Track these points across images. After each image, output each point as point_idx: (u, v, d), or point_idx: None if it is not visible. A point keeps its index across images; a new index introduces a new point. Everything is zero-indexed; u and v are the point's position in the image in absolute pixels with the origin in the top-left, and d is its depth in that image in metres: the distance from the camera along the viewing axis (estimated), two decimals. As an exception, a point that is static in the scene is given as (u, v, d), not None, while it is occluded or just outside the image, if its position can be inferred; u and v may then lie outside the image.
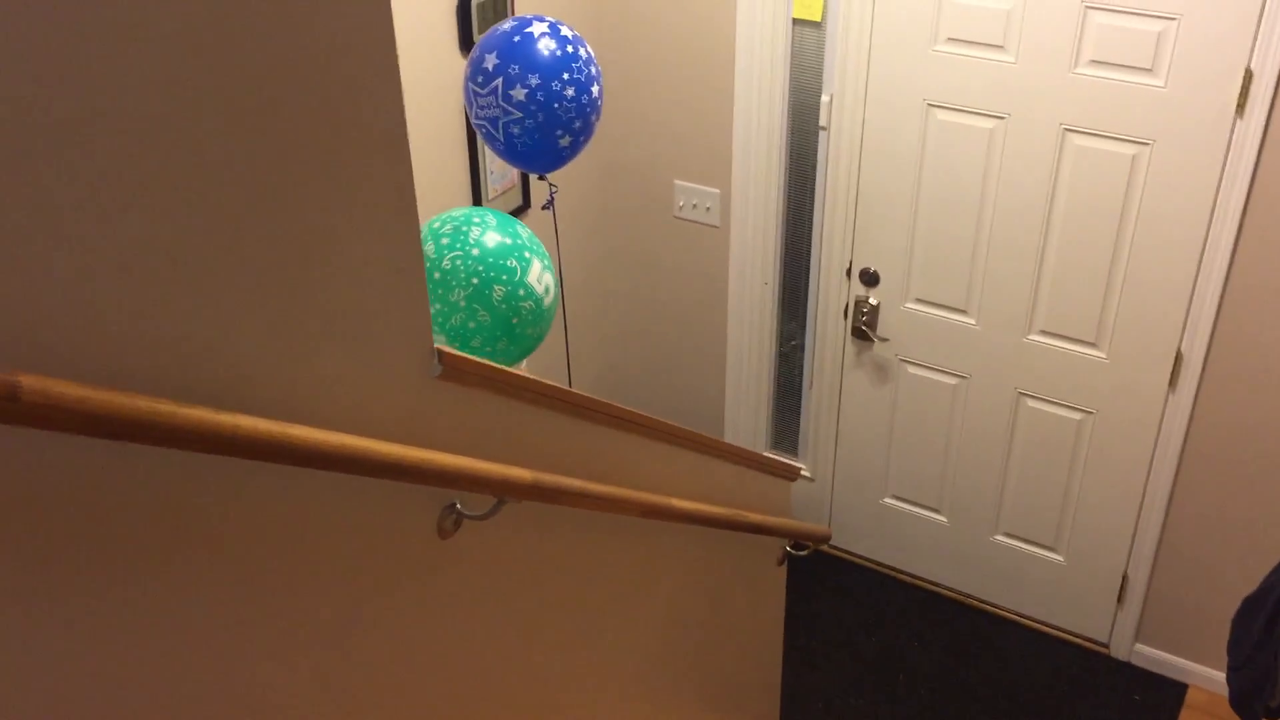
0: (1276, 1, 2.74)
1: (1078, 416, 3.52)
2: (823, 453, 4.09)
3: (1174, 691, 3.68)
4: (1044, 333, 3.46)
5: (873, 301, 3.70)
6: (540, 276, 2.42)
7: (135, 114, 1.01)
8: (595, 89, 2.50)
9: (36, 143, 0.93)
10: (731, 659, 2.97)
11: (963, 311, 3.56)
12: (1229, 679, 2.94)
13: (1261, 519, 3.32)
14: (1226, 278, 3.08)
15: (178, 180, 1.06)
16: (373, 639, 1.49)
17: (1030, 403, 3.59)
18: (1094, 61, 3.03)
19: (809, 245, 3.80)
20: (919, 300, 3.62)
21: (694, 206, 3.84)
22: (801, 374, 4.08)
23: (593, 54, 2.52)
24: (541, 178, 2.80)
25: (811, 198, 3.70)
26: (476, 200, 3.37)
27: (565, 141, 2.48)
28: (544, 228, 3.55)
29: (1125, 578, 3.68)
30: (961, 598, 4.04)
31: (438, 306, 2.33)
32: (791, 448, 4.23)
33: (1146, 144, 3.06)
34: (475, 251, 2.34)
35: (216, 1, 1.06)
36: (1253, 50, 2.83)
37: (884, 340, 3.73)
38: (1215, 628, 3.53)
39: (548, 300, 2.44)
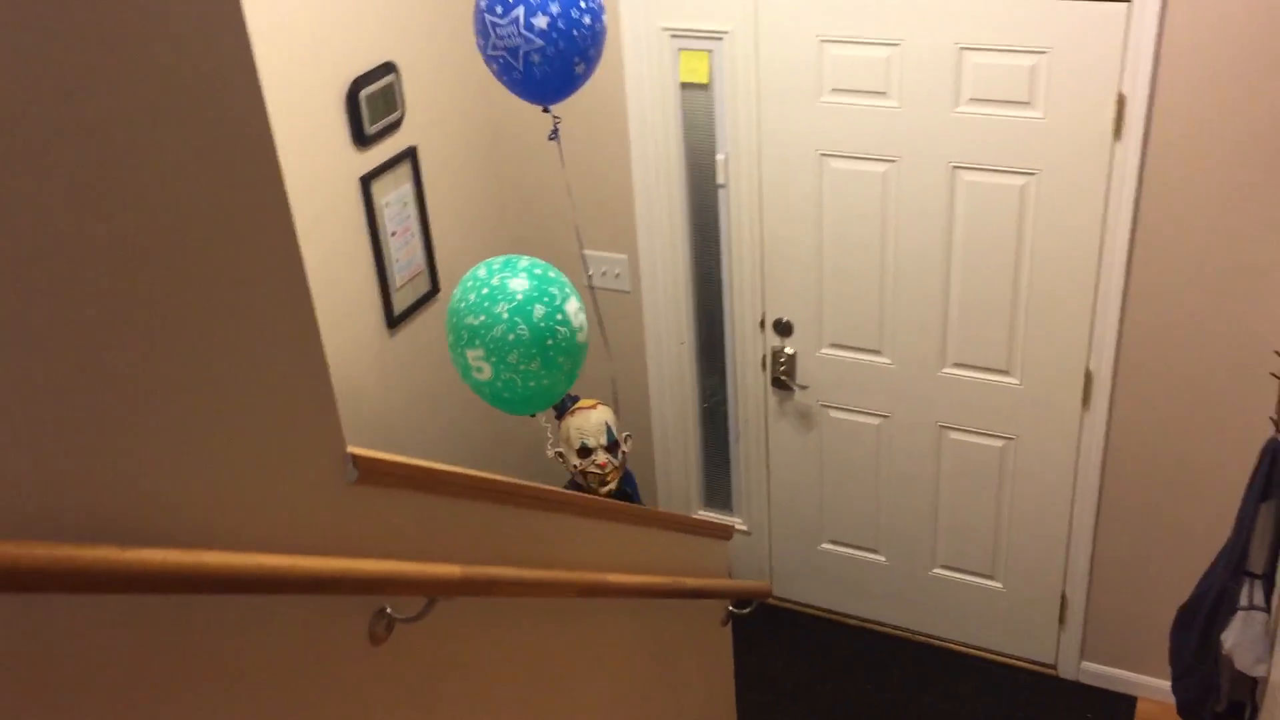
0: (1140, 27, 2.86)
1: (999, 443, 3.58)
2: (756, 505, 4.10)
3: (1125, 706, 3.72)
4: (957, 365, 3.52)
5: (789, 351, 3.73)
6: (577, 313, 2.73)
7: (29, 265, 0.98)
8: (604, 16, 2.65)
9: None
10: (686, 726, 2.94)
11: (876, 352, 3.62)
12: (1174, 689, 2.98)
13: (1188, 525, 3.39)
14: (1124, 294, 3.17)
15: (62, 315, 1.04)
16: (311, 759, 1.45)
17: (952, 434, 3.64)
18: (974, 99, 3.13)
19: (720, 301, 3.83)
20: (834, 345, 3.67)
21: (604, 274, 3.86)
22: (727, 429, 4.09)
23: None
24: (545, 109, 2.84)
25: (718, 254, 3.74)
26: (384, 291, 3.35)
27: (580, 69, 2.61)
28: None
29: (1064, 597, 3.72)
30: (908, 634, 4.05)
31: (482, 318, 2.65)
32: (725, 503, 4.23)
33: (1033, 174, 3.16)
34: (522, 277, 2.67)
35: (105, 142, 1.05)
36: (1122, 75, 2.94)
37: (804, 388, 3.77)
38: (1157, 638, 3.58)
39: (580, 337, 2.73)
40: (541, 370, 2.62)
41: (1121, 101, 2.96)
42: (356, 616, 1.52)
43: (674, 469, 4.12)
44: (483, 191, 3.76)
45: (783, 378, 3.77)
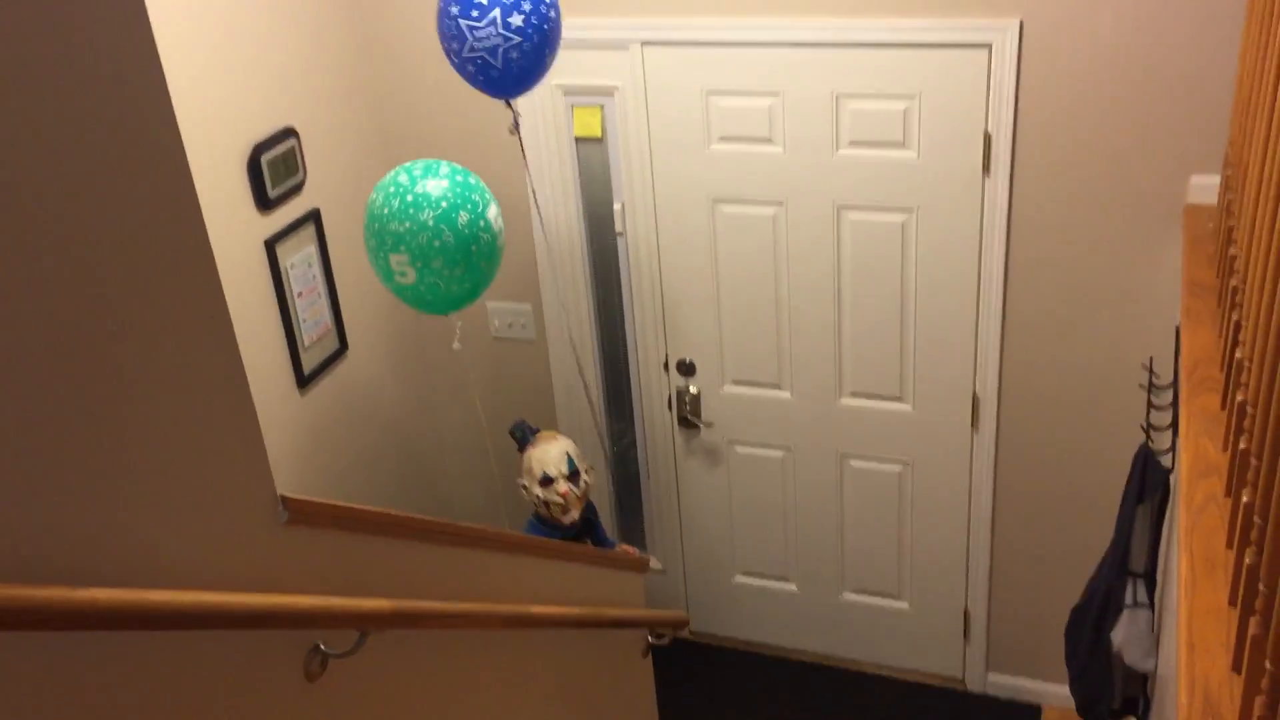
0: (1000, 70, 3.07)
1: (897, 468, 3.74)
2: (669, 543, 4.20)
3: (1030, 714, 3.88)
4: (854, 394, 3.68)
5: (693, 390, 3.86)
6: (496, 218, 2.85)
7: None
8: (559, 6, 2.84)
9: None
10: (612, 759, 3.01)
11: (777, 386, 3.76)
12: (1072, 690, 3.14)
13: (1078, 532, 3.58)
14: (1003, 320, 3.37)
15: (20, 369, 1.10)
16: (255, 793, 1.50)
17: (853, 462, 3.79)
18: (853, 142, 3.31)
19: (624, 344, 3.95)
20: (735, 382, 3.81)
21: (509, 325, 3.95)
22: (638, 469, 4.19)
23: None
24: (508, 104, 2.98)
25: (620, 299, 3.86)
26: (293, 351, 3.40)
27: (549, 59, 2.80)
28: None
29: (967, 613, 3.88)
30: (823, 660, 4.17)
31: (407, 225, 2.73)
32: (639, 542, 4.32)
33: (911, 210, 3.35)
34: (444, 183, 2.77)
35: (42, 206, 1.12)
36: (987, 115, 3.15)
37: (709, 425, 3.89)
38: (1057, 646, 3.75)
39: (499, 241, 2.87)
40: (464, 275, 2.73)
41: (988, 140, 3.17)
42: (292, 653, 1.58)
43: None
44: (386, 249, 3.83)
45: (689, 416, 3.90)
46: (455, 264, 2.76)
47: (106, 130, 1.22)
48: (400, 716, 1.88)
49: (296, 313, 3.40)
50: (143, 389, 1.28)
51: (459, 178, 2.86)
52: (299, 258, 3.38)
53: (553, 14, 2.81)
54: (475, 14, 2.71)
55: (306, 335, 3.45)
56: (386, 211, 2.79)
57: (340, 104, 3.51)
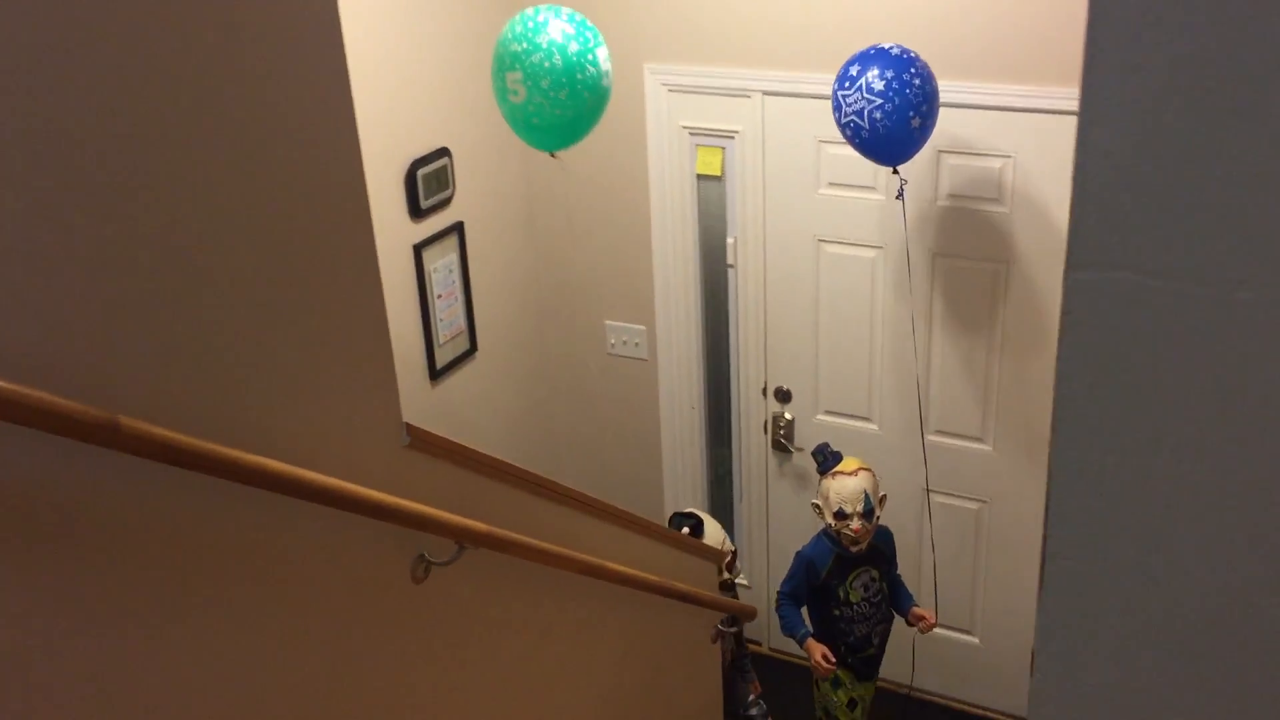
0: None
1: (975, 506, 3.95)
2: (757, 561, 4.46)
3: (1091, 756, 3.99)
4: (939, 432, 3.92)
5: (788, 416, 4.14)
6: (605, 60, 3.05)
7: (232, 272, 1.45)
8: (934, 83, 3.14)
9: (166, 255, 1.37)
10: (677, 736, 3.29)
11: (866, 419, 4.02)
12: None
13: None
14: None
15: (231, 306, 1.49)
16: (360, 661, 1.85)
17: (935, 497, 4.01)
18: (951, 195, 3.58)
19: (729, 370, 4.26)
20: (827, 411, 4.08)
21: (624, 343, 4.30)
22: (733, 490, 4.48)
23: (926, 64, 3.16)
24: (894, 171, 3.29)
25: (727, 327, 4.18)
26: (429, 347, 3.81)
27: (916, 123, 3.09)
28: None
29: (1034, 652, 4.03)
30: (893, 686, 4.36)
31: (524, 45, 2.99)
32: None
33: (1004, 262, 3.59)
34: (564, 20, 3.03)
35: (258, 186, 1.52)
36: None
37: (800, 450, 4.16)
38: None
39: (605, 82, 3.08)
40: (568, 100, 2.97)
41: (1077, 199, 3.40)
42: (401, 557, 1.94)
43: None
44: (518, 263, 4.24)
45: (782, 440, 4.17)
46: (561, 86, 2.97)
47: (318, 144, 1.62)
48: (485, 637, 2.22)
49: (435, 312, 3.81)
50: (322, 330, 1.67)
51: (578, 18, 3.12)
52: (442, 263, 3.80)
53: (917, 80, 3.08)
54: (848, 84, 3.12)
55: (442, 334, 3.86)
56: (510, 35, 3.08)
57: (490, 128, 3.93)
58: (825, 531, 3.51)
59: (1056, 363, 0.77)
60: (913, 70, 3.10)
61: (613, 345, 4.33)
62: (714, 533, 3.55)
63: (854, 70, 3.13)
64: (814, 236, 3.84)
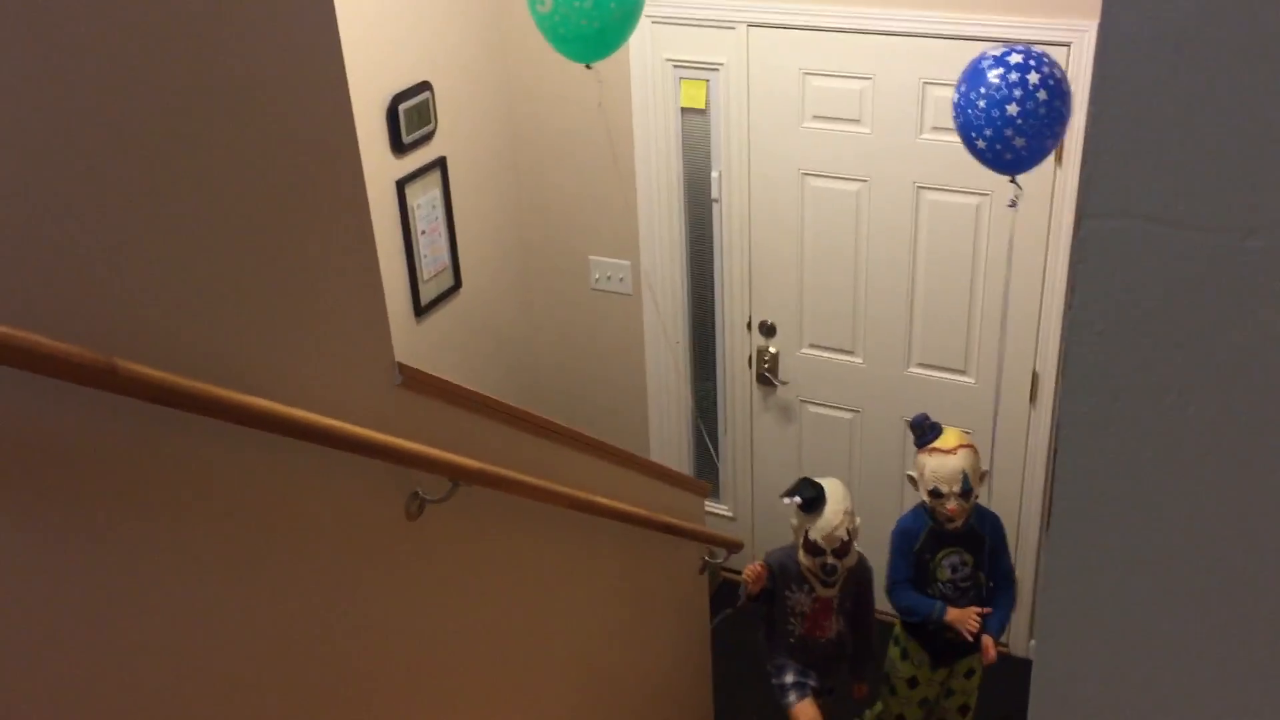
0: (1077, 65, 3.29)
1: (958, 437, 3.98)
2: (742, 493, 4.51)
3: (1068, 680, 4.09)
4: (921, 365, 3.94)
5: (772, 350, 4.16)
6: None
7: (219, 220, 1.43)
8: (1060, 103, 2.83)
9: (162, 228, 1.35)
10: (663, 665, 3.34)
11: (850, 352, 4.04)
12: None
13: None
14: (1067, 300, 3.59)
15: (223, 248, 1.48)
16: (356, 597, 1.87)
17: (917, 429, 4.05)
18: (935, 128, 3.57)
19: (713, 304, 4.27)
20: (812, 345, 4.10)
21: (608, 278, 4.30)
22: (717, 423, 4.50)
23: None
24: (1012, 179, 3.04)
25: (711, 261, 4.18)
26: (413, 283, 3.79)
27: (1019, 142, 2.82)
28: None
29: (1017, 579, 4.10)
30: (880, 614, 4.43)
31: None
32: (713, 492, 4.64)
33: (987, 194, 3.59)
34: None
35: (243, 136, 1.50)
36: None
37: (785, 384, 4.19)
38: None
39: None
40: (594, 11, 2.90)
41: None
42: (395, 494, 1.95)
43: (668, 459, 4.53)
44: (502, 198, 4.22)
45: (767, 374, 4.20)
46: None
47: (305, 76, 1.60)
48: (479, 571, 2.24)
49: (419, 249, 3.79)
50: (315, 272, 1.66)
51: None
52: (425, 199, 3.78)
53: (981, 104, 2.85)
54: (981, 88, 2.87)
55: (426, 270, 3.85)
56: None
57: (472, 62, 3.89)
58: (923, 505, 3.33)
59: (1066, 310, 0.78)
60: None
61: (597, 280, 4.32)
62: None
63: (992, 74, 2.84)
64: (798, 170, 3.83)
